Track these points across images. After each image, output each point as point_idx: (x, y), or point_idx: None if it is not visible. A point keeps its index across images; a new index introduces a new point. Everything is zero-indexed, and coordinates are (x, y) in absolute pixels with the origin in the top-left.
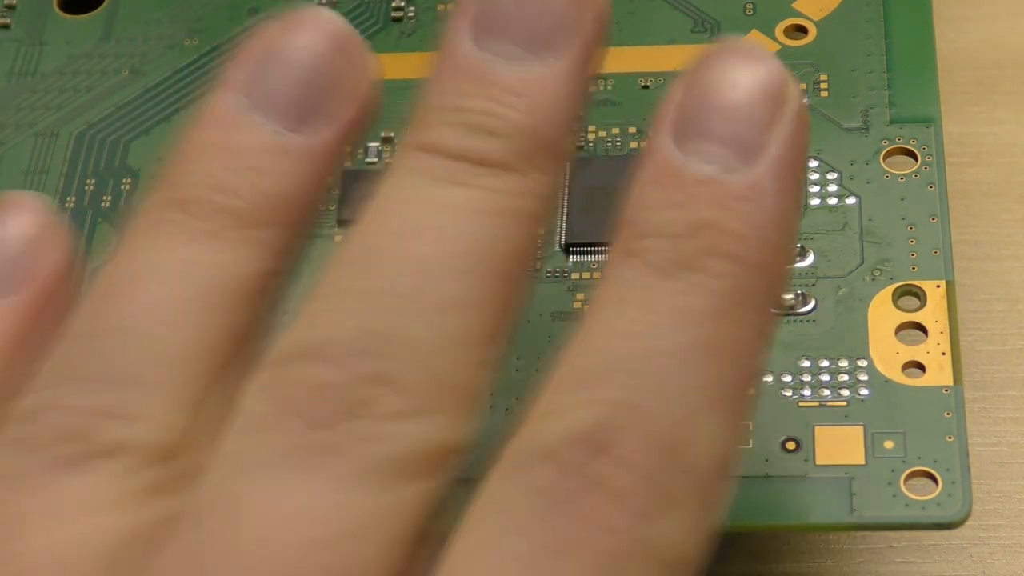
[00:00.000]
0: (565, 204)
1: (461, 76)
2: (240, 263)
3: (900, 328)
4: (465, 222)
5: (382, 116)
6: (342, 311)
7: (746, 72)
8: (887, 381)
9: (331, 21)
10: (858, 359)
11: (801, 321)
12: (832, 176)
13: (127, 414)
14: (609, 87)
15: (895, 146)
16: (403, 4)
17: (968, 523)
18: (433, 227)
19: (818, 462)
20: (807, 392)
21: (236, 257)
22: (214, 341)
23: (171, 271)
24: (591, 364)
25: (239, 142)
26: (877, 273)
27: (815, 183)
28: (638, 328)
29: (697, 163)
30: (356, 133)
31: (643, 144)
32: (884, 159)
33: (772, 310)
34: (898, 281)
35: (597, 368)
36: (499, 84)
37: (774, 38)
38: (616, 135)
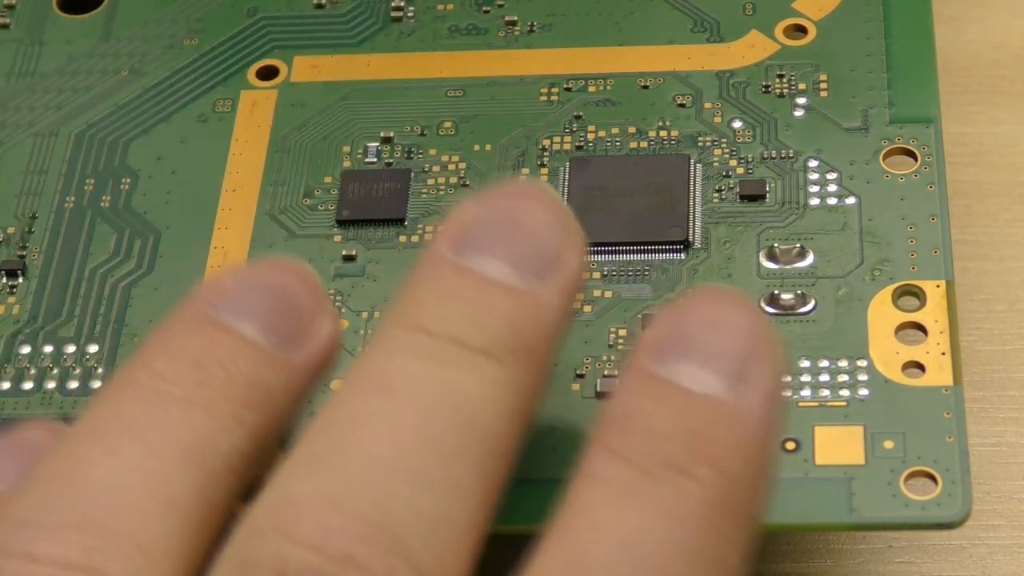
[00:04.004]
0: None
1: (452, 276)
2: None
3: (900, 328)
4: (446, 400)
5: (382, 116)
6: (315, 482)
7: (740, 312)
8: (887, 381)
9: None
10: (858, 359)
11: (801, 321)
12: (832, 176)
13: (98, 568)
14: (609, 87)
15: (895, 146)
16: (403, 4)
17: (968, 523)
18: (414, 402)
19: (818, 462)
20: (807, 392)
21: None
22: (189, 499)
23: (148, 430)
24: (576, 560)
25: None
26: (877, 273)
27: (815, 183)
28: (623, 527)
29: (689, 380)
30: None
31: (627, 363)
32: (884, 159)
33: (753, 530)
34: (898, 281)
35: (582, 565)
36: (490, 287)
37: (774, 38)
38: (616, 135)
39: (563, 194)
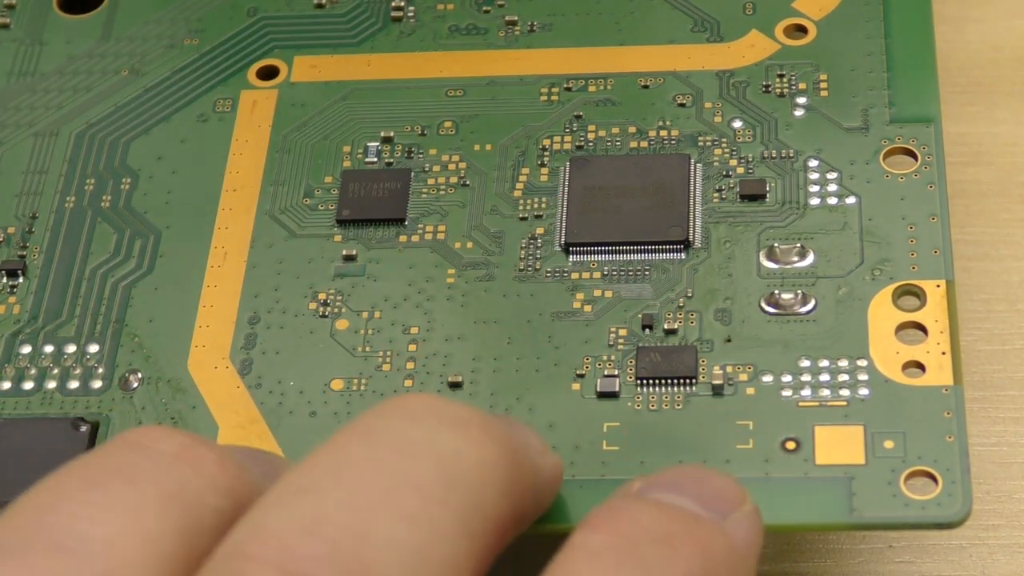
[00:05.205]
0: (565, 204)
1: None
2: None
3: (900, 328)
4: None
5: (382, 116)
6: (289, 512)
7: (724, 475)
8: (887, 381)
9: None
10: (858, 359)
11: (801, 321)
12: (832, 176)
13: None
14: (609, 87)
15: (895, 146)
16: (403, 4)
17: (968, 523)
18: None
19: (818, 462)
20: (807, 392)
21: None
22: (170, 538)
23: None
24: None
25: None
26: (877, 273)
27: (815, 183)
28: None
29: (674, 501)
30: None
31: None
32: (884, 159)
33: None
34: (898, 281)
35: None
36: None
37: (774, 38)
38: (616, 135)
39: (563, 194)
